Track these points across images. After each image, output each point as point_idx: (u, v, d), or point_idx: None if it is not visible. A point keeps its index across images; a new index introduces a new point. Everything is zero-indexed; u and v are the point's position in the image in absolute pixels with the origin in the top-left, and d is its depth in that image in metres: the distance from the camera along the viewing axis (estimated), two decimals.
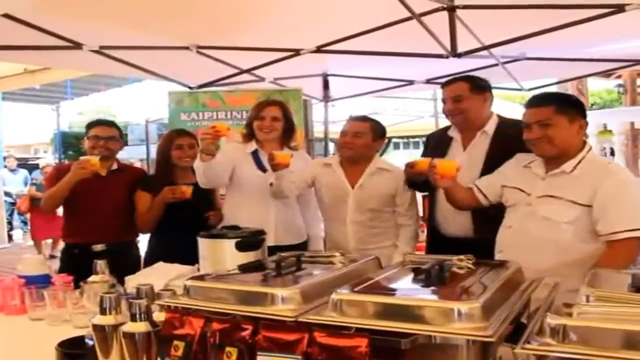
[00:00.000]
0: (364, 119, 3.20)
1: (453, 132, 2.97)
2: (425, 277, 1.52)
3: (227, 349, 1.38)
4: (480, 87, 2.89)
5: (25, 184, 11.66)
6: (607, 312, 1.16)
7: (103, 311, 1.74)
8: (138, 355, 1.62)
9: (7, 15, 3.02)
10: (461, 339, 1.23)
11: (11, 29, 3.20)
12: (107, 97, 20.75)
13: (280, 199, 3.16)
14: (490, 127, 2.87)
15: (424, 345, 1.27)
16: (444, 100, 2.94)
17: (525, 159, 2.49)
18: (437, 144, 3.02)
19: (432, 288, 1.45)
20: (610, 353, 1.05)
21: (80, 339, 1.91)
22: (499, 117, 2.93)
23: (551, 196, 2.30)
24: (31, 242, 10.42)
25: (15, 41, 3.59)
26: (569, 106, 2.33)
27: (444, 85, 2.97)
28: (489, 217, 2.60)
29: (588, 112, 2.47)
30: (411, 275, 1.64)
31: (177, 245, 2.88)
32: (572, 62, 4.96)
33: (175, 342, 1.48)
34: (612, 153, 7.72)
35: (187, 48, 4.06)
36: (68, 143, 20.69)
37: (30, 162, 15.80)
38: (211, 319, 1.45)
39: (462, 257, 1.69)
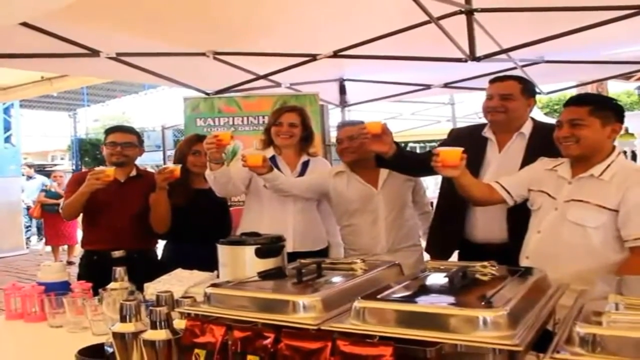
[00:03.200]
0: (355, 123, 3.20)
1: (488, 133, 2.91)
2: (449, 284, 1.50)
3: (249, 357, 1.37)
4: (530, 90, 2.88)
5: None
6: (637, 321, 1.13)
7: (123, 319, 1.73)
8: None
9: (25, 24, 3.05)
10: (487, 347, 1.21)
11: (29, 37, 3.23)
12: (123, 103, 20.96)
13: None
14: (527, 129, 2.83)
15: (449, 354, 1.25)
16: (489, 96, 2.85)
17: (550, 162, 2.46)
18: (470, 143, 2.86)
19: (456, 295, 1.43)
20: None
21: (99, 347, 1.91)
22: (533, 120, 2.90)
23: (579, 200, 2.26)
24: (49, 249, 10.51)
25: (33, 49, 3.62)
26: (606, 109, 2.31)
27: (493, 81, 2.90)
28: (524, 220, 2.54)
29: None
30: (434, 282, 1.62)
31: (193, 253, 2.88)
32: (591, 65, 4.91)
33: (197, 351, 1.47)
34: (634, 156, 7.62)
35: (203, 54, 4.08)
36: (85, 150, 20.90)
37: (47, 169, 15.98)
38: (232, 327, 1.44)
39: (485, 263, 1.66)
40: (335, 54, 3.97)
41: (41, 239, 12.80)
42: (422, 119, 12.05)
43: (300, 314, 1.43)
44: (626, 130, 7.63)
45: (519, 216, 2.59)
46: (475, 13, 3.21)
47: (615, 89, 13.00)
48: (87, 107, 19.86)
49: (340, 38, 3.86)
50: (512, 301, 1.33)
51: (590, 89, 7.51)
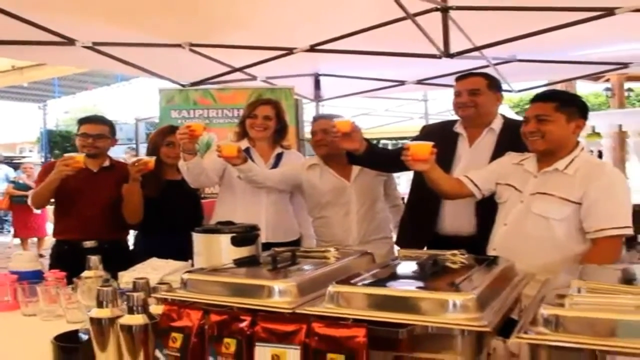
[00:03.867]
0: (329, 116, 3.24)
1: (459, 128, 2.99)
2: (420, 270, 1.54)
3: (226, 340, 1.40)
4: (496, 85, 2.96)
5: (7, 181, 11.61)
6: (598, 303, 1.19)
7: (100, 304, 1.74)
8: (135, 348, 1.63)
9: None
10: (456, 329, 1.26)
11: (3, 23, 3.20)
12: (94, 95, 20.64)
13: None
14: (497, 125, 2.91)
15: (420, 335, 1.30)
16: (457, 93, 2.94)
17: (517, 156, 2.54)
18: (441, 138, 2.93)
19: (426, 281, 1.48)
20: (602, 341, 1.09)
21: (74, 334, 1.93)
22: (504, 117, 2.98)
23: (543, 193, 2.34)
24: (17, 241, 10.36)
25: (6, 36, 3.58)
26: (571, 105, 2.39)
27: (459, 78, 2.99)
28: (492, 213, 2.61)
29: None
30: (405, 269, 1.66)
31: (164, 244, 2.91)
32: (561, 65, 5.03)
33: (173, 334, 1.49)
34: (600, 155, 7.79)
35: (179, 46, 4.08)
36: (54, 142, 20.55)
37: (15, 162, 15.71)
38: (209, 311, 1.46)
39: (455, 252, 1.71)
40: (312, 48, 4.01)
41: (8, 232, 12.63)
42: (395, 115, 12.13)
43: (276, 299, 1.46)
44: (593, 129, 7.80)
45: (487, 209, 2.67)
46: (450, 10, 3.28)
47: (584, 90, 13.23)
48: (57, 99, 19.55)
49: (316, 32, 3.90)
50: (480, 286, 1.38)
51: (559, 88, 7.65)
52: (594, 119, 8.27)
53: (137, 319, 1.64)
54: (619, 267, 1.62)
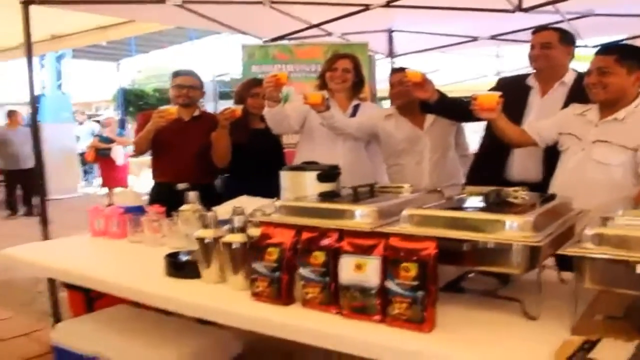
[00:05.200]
0: (405, 69, 3.39)
1: (531, 81, 3.11)
2: (484, 200, 1.75)
3: (315, 253, 1.67)
4: (568, 39, 3.05)
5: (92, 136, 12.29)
6: (634, 224, 1.37)
7: (205, 226, 2.06)
8: (236, 263, 1.93)
9: None
10: (513, 244, 1.47)
11: None
12: (167, 54, 21.06)
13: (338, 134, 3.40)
14: (569, 78, 3.01)
15: (484, 250, 1.51)
16: (532, 46, 3.06)
17: (580, 107, 2.66)
18: (514, 90, 3.08)
19: (489, 208, 1.68)
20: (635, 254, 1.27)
21: (176, 254, 2.26)
22: (576, 71, 3.06)
23: (603, 141, 2.48)
24: (104, 190, 11.04)
25: None
26: (631, 57, 2.48)
27: (534, 32, 3.10)
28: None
29: None
30: (471, 200, 1.87)
31: (250, 186, 3.16)
32: None
33: (270, 249, 1.77)
34: None
35: (260, 3, 4.28)
36: (129, 100, 21.20)
37: (92, 120, 16.45)
38: (301, 230, 1.73)
39: (517, 188, 1.89)
40: (388, 4, 4.14)
41: (91, 183, 13.44)
42: (469, 72, 12.00)
43: (358, 220, 1.71)
44: None
45: (554, 158, 2.79)
46: None
47: None
48: (132, 58, 20.09)
49: None
50: (536, 212, 1.58)
51: None
52: None
53: (238, 237, 1.93)
54: None
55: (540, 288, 1.57)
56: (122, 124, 13.65)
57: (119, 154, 10.37)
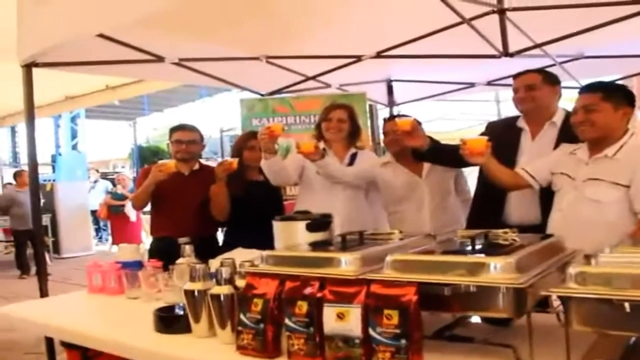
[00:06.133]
0: (400, 116, 3.44)
1: (521, 123, 3.11)
2: (471, 243, 1.72)
3: (299, 302, 1.64)
4: (552, 79, 3.06)
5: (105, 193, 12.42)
6: (618, 262, 1.34)
7: (192, 279, 2.04)
8: (223, 315, 1.90)
9: (100, 35, 3.40)
10: (496, 287, 1.44)
11: (103, 45, 3.57)
12: (180, 112, 21.45)
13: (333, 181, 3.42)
14: (558, 118, 3.01)
15: (467, 294, 1.47)
16: (515, 90, 3.07)
17: (570, 147, 2.67)
18: (504, 134, 3.10)
19: (474, 252, 1.66)
20: (619, 292, 1.24)
21: (171, 308, 2.23)
22: (566, 110, 3.05)
23: (595, 179, 2.46)
24: (115, 248, 11.07)
25: (106, 57, 3.98)
26: (616, 94, 2.50)
27: (516, 76, 3.12)
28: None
29: None
30: (459, 243, 1.84)
31: (250, 237, 3.16)
32: (636, 58, 4.89)
33: (255, 300, 1.74)
34: None
35: (257, 58, 4.37)
36: (144, 157, 21.51)
37: (109, 177, 16.66)
38: (284, 280, 1.71)
39: (507, 230, 1.87)
40: (379, 55, 4.21)
41: (106, 240, 13.48)
42: (470, 119, 12.13)
43: (343, 268, 1.69)
44: None
45: (550, 200, 2.77)
46: (507, 12, 3.39)
47: None
48: (146, 116, 20.50)
49: (383, 39, 4.10)
50: (520, 253, 1.55)
51: (637, 81, 7.36)
52: None
53: (225, 289, 1.91)
54: None
55: (531, 333, 1.53)
56: None
57: (132, 210, 10.45)
